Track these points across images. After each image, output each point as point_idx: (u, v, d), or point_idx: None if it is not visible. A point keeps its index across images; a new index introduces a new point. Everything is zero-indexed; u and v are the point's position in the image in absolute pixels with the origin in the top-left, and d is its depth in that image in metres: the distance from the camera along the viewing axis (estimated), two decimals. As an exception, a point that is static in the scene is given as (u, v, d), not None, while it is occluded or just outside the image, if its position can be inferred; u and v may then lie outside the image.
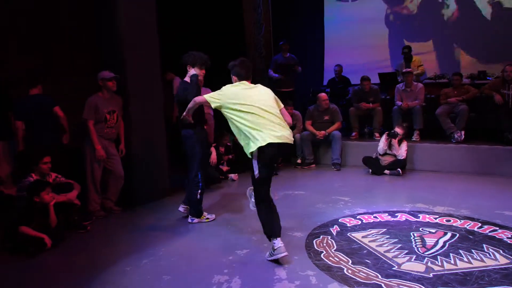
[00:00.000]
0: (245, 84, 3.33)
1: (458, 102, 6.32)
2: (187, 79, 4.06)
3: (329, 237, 3.58)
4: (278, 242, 3.07)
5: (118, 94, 4.54)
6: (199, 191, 4.11)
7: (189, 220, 4.18)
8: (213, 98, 3.26)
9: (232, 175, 5.97)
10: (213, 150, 5.63)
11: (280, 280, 2.84)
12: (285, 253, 3.05)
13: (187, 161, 4.15)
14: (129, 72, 4.68)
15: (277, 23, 8.72)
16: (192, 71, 4.04)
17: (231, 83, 3.39)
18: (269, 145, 3.01)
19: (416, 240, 3.41)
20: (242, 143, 3.22)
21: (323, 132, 6.53)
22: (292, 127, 6.79)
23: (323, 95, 6.73)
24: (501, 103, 5.86)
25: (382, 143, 5.98)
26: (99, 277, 2.99)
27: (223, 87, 3.32)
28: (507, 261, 2.98)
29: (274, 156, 3.14)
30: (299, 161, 6.68)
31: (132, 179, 4.76)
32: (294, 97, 7.61)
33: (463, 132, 6.13)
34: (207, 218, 4.23)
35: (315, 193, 5.06)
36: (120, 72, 4.52)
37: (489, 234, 3.52)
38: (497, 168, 5.66)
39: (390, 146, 5.94)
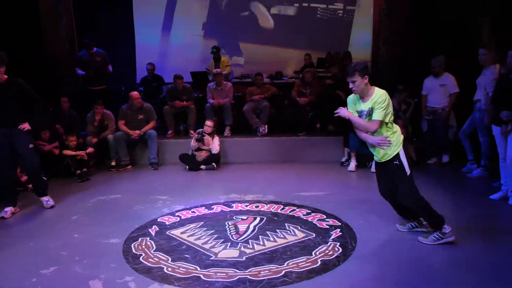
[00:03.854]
0: None
1: (261, 99, 7.03)
2: None
3: (148, 238, 3.51)
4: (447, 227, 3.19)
5: None
6: None
7: None
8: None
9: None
10: None
11: (95, 292, 2.63)
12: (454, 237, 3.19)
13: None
14: None
15: (81, 16, 8.03)
16: None
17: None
18: None
19: (230, 228, 3.65)
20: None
21: (138, 131, 6.34)
22: (104, 128, 6.42)
23: (134, 93, 6.52)
24: (303, 104, 6.80)
25: (193, 141, 6.20)
26: None
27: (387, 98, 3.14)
28: (304, 235, 3.47)
29: None
30: (113, 163, 6.31)
31: None
32: (107, 96, 7.18)
33: (266, 126, 6.85)
34: None
35: (132, 195, 4.87)
36: None
37: (290, 214, 4.03)
38: (296, 156, 6.53)
39: (203, 142, 6.20)
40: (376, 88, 3.17)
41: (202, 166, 6.13)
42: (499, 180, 4.37)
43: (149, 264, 3.01)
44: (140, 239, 3.49)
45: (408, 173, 3.15)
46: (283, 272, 2.82)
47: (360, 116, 3.23)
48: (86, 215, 4.23)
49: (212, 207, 4.31)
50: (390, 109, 3.15)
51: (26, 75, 6.38)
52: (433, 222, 3.22)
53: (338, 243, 3.27)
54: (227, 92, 7.13)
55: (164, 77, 8.17)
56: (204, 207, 4.30)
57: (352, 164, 5.84)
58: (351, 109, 3.30)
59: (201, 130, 6.17)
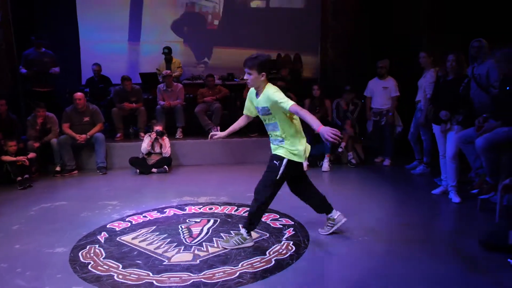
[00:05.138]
0: None
1: (213, 101, 6.99)
2: None
3: (97, 245, 3.36)
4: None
5: None
6: None
7: None
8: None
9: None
10: None
11: (40, 305, 2.48)
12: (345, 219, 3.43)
13: None
14: None
15: (19, 12, 7.56)
16: None
17: None
18: None
19: (184, 232, 3.59)
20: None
21: (84, 135, 6.08)
22: (47, 131, 6.09)
23: (78, 94, 6.23)
24: None
25: (145, 144, 6.05)
26: None
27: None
28: (258, 235, 3.48)
29: None
30: (58, 168, 5.99)
31: None
32: (53, 98, 6.85)
33: (218, 128, 6.81)
34: None
35: (79, 202, 4.66)
36: None
37: (243, 214, 4.03)
38: (248, 157, 6.56)
39: (153, 146, 6.08)
40: (269, 85, 3.09)
41: (154, 170, 5.99)
42: (440, 176, 4.64)
43: (98, 273, 2.88)
44: (88, 247, 3.34)
45: (277, 178, 3.09)
46: (238, 273, 2.81)
47: (258, 111, 3.22)
48: (28, 224, 3.98)
49: (165, 211, 4.21)
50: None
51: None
52: (248, 224, 3.20)
53: (292, 242, 3.32)
54: (178, 93, 7.02)
55: (111, 78, 7.90)
56: (156, 211, 4.19)
57: (304, 164, 5.94)
58: (249, 103, 3.32)
59: (157, 129, 6.09)
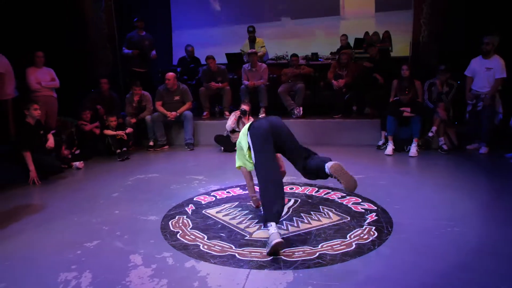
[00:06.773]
0: None
1: (295, 76, 6.92)
2: None
3: (185, 216, 3.60)
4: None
5: None
6: None
7: None
8: None
9: (77, 163, 5.46)
10: (50, 136, 5.05)
11: (136, 266, 2.74)
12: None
13: None
14: None
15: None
16: None
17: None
18: None
19: (265, 209, 3.68)
20: None
21: (174, 113, 6.46)
22: (142, 109, 6.58)
23: (168, 74, 6.61)
24: (338, 88, 6.66)
25: (230, 121, 6.22)
26: None
27: None
28: (338, 218, 3.45)
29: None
30: (151, 143, 6.50)
31: None
32: (148, 78, 7.35)
33: (301, 108, 6.80)
34: None
35: (169, 175, 5.01)
36: None
37: (324, 196, 4.02)
38: (331, 139, 6.46)
39: (238, 123, 6.23)
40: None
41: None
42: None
43: (185, 241, 3.09)
44: (177, 217, 3.59)
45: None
46: (317, 253, 2.82)
47: None
48: (125, 192, 4.39)
49: (247, 188, 4.34)
50: None
51: (67, 57, 6.65)
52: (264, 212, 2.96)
53: (374, 227, 3.23)
54: (261, 73, 7.10)
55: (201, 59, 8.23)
56: (239, 188, 4.35)
57: (389, 148, 5.71)
58: None
59: (242, 108, 6.24)
